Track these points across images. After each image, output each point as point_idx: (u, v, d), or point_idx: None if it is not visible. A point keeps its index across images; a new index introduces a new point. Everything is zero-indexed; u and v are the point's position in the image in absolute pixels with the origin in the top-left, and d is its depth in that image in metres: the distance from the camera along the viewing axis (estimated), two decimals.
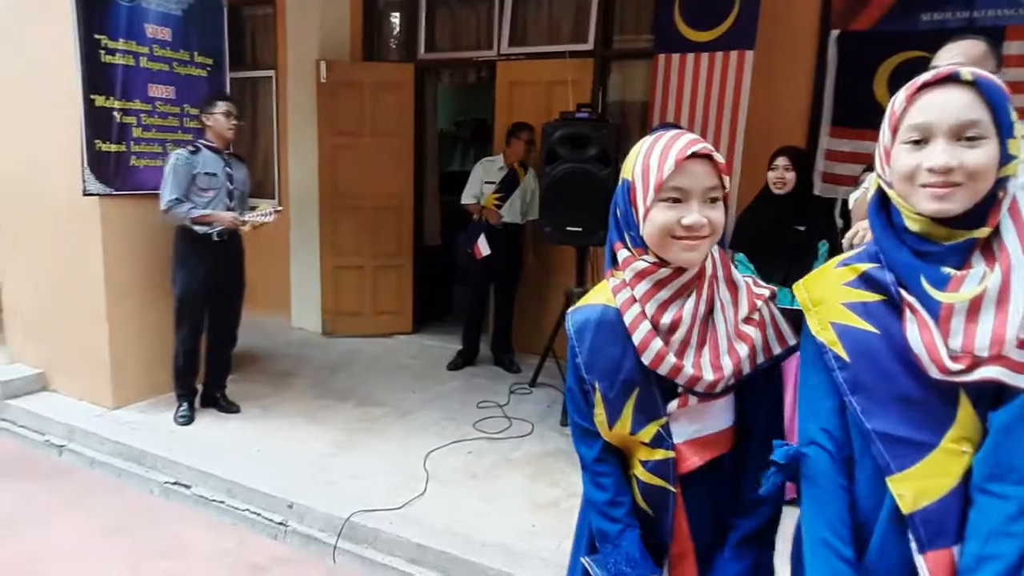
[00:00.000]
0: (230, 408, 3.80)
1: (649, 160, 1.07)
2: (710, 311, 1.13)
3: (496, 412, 3.91)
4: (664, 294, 1.10)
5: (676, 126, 2.92)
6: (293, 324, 5.58)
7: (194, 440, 3.44)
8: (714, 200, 1.07)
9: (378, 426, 3.69)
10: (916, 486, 0.95)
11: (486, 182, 4.51)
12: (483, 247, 4.44)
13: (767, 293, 1.17)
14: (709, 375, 1.09)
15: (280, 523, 2.86)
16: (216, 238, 3.53)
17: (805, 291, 1.10)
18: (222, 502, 3.02)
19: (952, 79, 0.93)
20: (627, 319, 1.12)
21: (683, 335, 1.10)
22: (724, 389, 1.13)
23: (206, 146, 3.53)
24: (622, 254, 1.14)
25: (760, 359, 1.14)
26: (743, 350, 1.11)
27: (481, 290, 4.71)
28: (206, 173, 3.48)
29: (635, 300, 1.12)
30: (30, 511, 2.98)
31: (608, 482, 1.22)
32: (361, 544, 2.71)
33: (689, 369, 1.09)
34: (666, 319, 1.10)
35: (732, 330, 1.13)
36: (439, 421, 3.76)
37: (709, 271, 1.12)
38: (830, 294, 1.06)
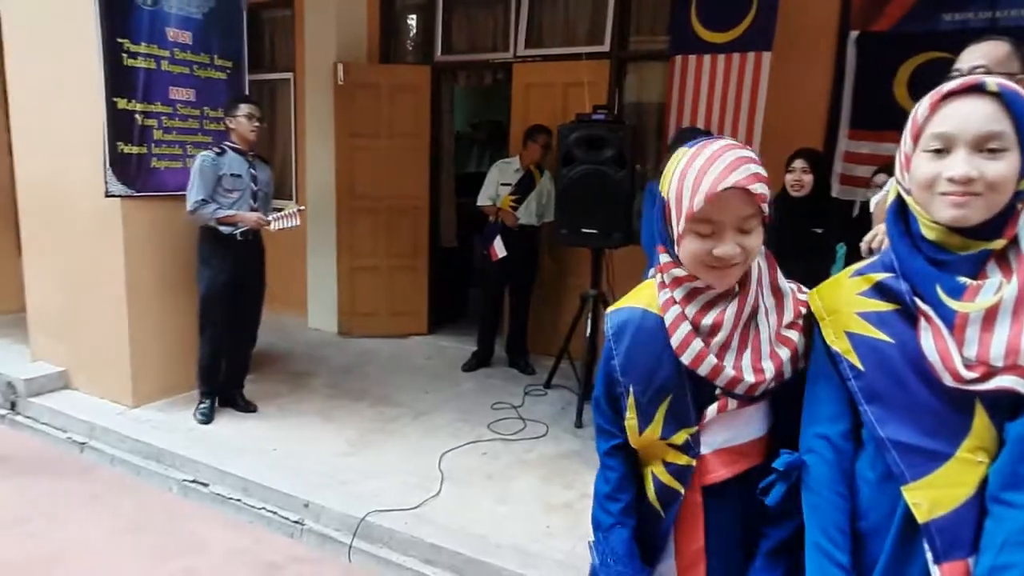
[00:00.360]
0: (248, 407, 3.84)
1: (683, 186, 1.03)
2: (753, 315, 1.11)
3: (511, 413, 3.92)
4: (703, 299, 1.10)
5: (705, 133, 2.88)
6: (309, 324, 5.62)
7: (212, 439, 3.49)
8: (750, 228, 1.03)
9: (393, 426, 3.71)
10: (932, 495, 0.94)
11: (502, 184, 4.52)
12: (499, 249, 4.45)
13: None
14: (750, 377, 1.08)
15: (296, 522, 2.89)
16: (240, 238, 3.58)
17: (819, 300, 1.09)
18: (239, 500, 3.05)
19: (977, 89, 0.92)
20: (667, 319, 1.11)
21: (724, 338, 1.09)
22: (763, 393, 1.11)
23: (231, 148, 3.58)
24: (664, 257, 1.13)
25: (801, 363, 1.13)
26: (785, 354, 1.10)
27: (496, 292, 4.72)
28: (231, 174, 3.54)
29: (675, 302, 1.11)
30: (52, 507, 3.03)
31: (612, 476, 1.24)
32: (376, 544, 2.73)
33: (729, 370, 1.08)
34: (707, 321, 1.09)
35: (774, 335, 1.11)
36: (454, 422, 3.78)
37: (754, 275, 1.10)
38: (844, 303, 1.05)
